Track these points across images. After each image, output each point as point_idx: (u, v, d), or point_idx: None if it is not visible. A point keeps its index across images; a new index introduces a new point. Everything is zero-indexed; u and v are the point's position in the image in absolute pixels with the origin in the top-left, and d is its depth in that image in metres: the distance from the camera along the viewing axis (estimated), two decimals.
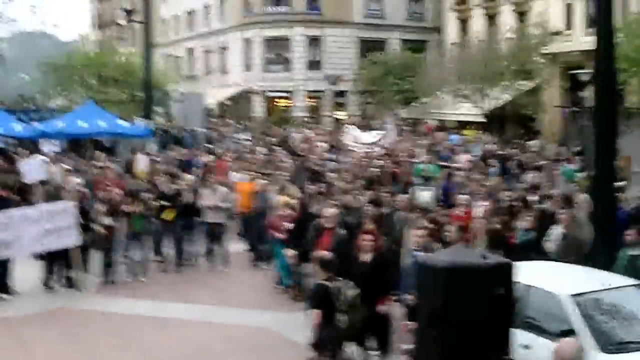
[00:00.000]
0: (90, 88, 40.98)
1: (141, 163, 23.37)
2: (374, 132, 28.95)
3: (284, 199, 15.96)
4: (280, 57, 57.47)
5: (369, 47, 55.50)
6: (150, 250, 17.05)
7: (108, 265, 16.06)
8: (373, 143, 26.13)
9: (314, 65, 56.62)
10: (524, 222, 13.51)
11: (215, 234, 17.26)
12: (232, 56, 60.27)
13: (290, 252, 13.92)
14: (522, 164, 22.38)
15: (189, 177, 18.87)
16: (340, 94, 56.39)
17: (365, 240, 10.76)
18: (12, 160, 23.02)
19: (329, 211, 12.97)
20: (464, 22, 50.97)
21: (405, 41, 56.90)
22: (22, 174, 17.33)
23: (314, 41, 56.72)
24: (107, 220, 15.79)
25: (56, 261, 15.43)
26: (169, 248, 17.47)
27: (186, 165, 22.86)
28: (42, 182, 18.96)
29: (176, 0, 69.80)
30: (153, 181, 18.56)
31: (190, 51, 67.71)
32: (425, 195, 17.27)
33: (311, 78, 55.70)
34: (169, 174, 18.88)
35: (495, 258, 7.34)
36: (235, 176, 20.24)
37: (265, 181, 18.23)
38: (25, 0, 65.65)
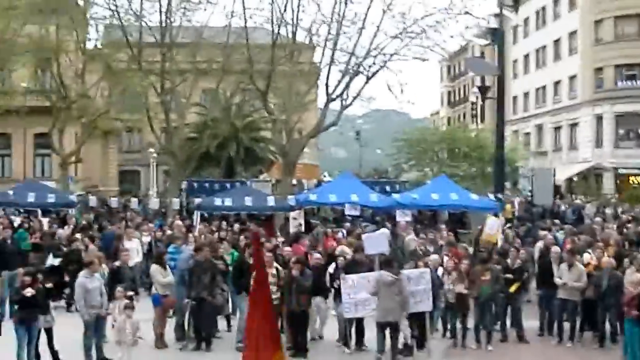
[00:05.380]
0: (441, 163, 42.72)
1: (489, 227, 23.58)
2: None
3: (636, 276, 15.47)
4: (632, 132, 55.64)
5: None
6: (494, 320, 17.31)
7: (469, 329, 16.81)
8: None
9: None
10: None
11: (564, 310, 17.11)
12: (582, 132, 59.34)
13: None
14: None
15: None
16: None
17: None
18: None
19: None
20: None
21: None
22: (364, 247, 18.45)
23: None
24: (459, 288, 16.61)
25: None
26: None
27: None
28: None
29: (526, 77, 70.50)
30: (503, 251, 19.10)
31: (539, 127, 67.67)
32: None
33: None
34: (516, 248, 19.21)
35: None
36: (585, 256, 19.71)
37: (609, 258, 17.59)
38: (382, 81, 70.12)
